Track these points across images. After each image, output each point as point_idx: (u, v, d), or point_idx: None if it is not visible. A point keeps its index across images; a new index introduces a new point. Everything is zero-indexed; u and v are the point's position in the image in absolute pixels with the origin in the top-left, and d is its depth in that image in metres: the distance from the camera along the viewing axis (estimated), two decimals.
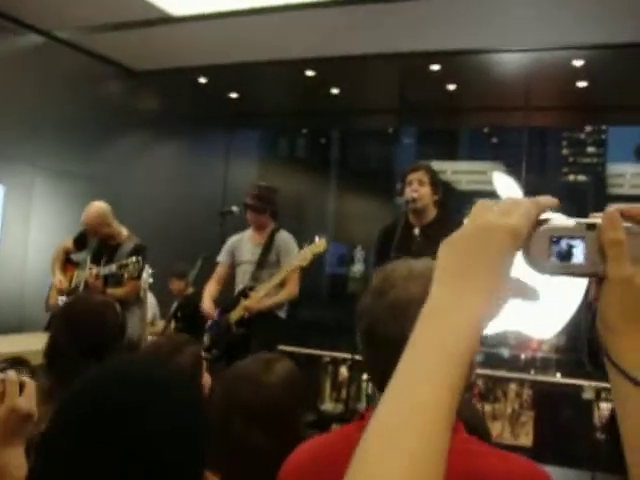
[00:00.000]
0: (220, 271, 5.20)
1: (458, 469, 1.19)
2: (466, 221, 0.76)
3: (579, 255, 0.78)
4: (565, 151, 12.04)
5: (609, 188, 10.70)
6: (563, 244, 0.78)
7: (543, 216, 0.78)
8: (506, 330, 7.15)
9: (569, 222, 0.79)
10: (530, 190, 8.38)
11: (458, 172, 10.71)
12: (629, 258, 0.76)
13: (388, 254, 3.81)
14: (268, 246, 5.08)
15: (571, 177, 12.07)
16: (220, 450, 1.67)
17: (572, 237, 0.78)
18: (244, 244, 5.19)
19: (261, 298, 4.87)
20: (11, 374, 1.56)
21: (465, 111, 8.71)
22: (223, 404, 1.80)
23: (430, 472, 0.63)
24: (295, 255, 4.93)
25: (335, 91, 8.13)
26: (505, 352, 8.83)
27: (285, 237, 5.11)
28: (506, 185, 7.25)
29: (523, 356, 8.19)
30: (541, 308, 6.51)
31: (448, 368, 0.68)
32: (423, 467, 0.63)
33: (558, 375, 6.82)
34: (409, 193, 4.15)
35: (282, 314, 5.03)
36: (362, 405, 6.66)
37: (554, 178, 11.85)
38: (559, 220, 0.79)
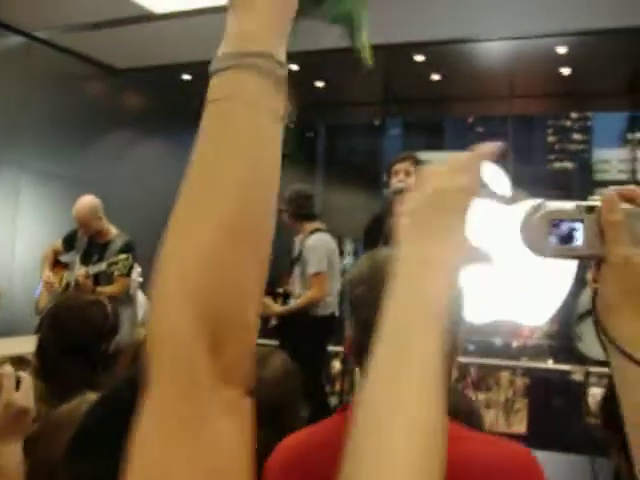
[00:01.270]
0: None
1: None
2: (416, 190, 0.77)
3: (579, 238, 0.79)
4: (551, 138, 12.06)
5: (595, 174, 10.75)
6: (563, 227, 0.79)
7: (538, 201, 0.79)
8: (497, 319, 7.16)
9: (568, 205, 0.80)
10: (516, 178, 8.42)
11: (445, 162, 10.70)
12: (628, 239, 0.77)
13: (377, 244, 3.80)
14: (299, 252, 5.10)
15: (557, 164, 12.10)
16: None
17: (572, 220, 0.79)
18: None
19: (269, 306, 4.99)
20: (8, 368, 1.54)
21: (450, 101, 8.72)
22: None
23: (434, 421, 0.63)
24: (314, 262, 4.94)
25: (320, 85, 8.12)
26: (497, 341, 8.87)
27: (309, 243, 5.06)
28: (492, 173, 7.24)
29: (515, 344, 8.23)
30: (531, 295, 6.52)
31: (434, 319, 0.67)
32: (425, 417, 0.63)
33: (550, 362, 6.84)
34: (396, 183, 4.14)
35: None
36: None
37: (540, 165, 11.88)
38: (557, 204, 0.80)
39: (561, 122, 11.99)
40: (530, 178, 10.45)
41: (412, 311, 0.68)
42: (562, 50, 6.78)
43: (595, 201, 0.79)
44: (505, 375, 6.41)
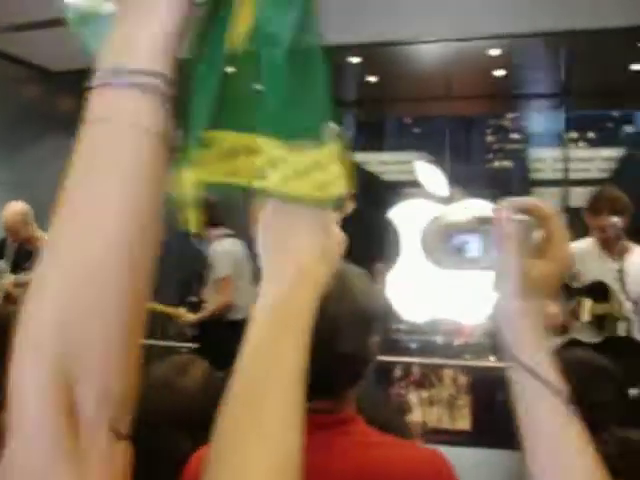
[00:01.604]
0: None
1: (350, 462, 1.19)
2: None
3: (475, 249, 0.79)
4: (490, 138, 12.26)
5: (532, 173, 10.96)
6: (458, 239, 0.80)
7: (439, 212, 0.80)
8: (437, 318, 7.24)
9: (463, 217, 0.80)
10: (455, 177, 8.53)
11: (384, 163, 10.81)
12: (523, 250, 0.78)
13: None
14: (208, 258, 5.08)
15: (496, 163, 12.30)
16: (147, 460, 1.62)
17: (467, 232, 0.80)
18: None
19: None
20: None
21: (387, 102, 8.78)
22: (139, 412, 1.75)
23: (292, 441, 0.62)
24: (219, 267, 4.95)
25: (257, 87, 8.07)
26: (439, 339, 8.96)
27: (216, 249, 5.06)
28: (429, 174, 7.33)
29: (457, 342, 8.33)
30: (468, 294, 6.59)
31: (294, 328, 0.68)
32: (282, 437, 0.62)
33: (492, 359, 6.94)
34: None
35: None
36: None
37: (479, 165, 12.06)
38: (453, 215, 0.81)
39: (500, 122, 12.20)
40: (469, 177, 10.59)
41: (273, 326, 0.67)
42: (495, 52, 6.89)
43: (489, 212, 0.79)
44: (448, 373, 6.48)
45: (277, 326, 0.67)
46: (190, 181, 0.64)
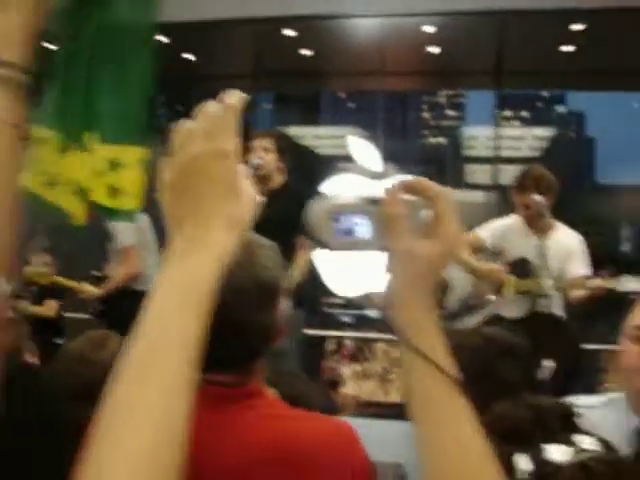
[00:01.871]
0: None
1: (263, 434, 1.19)
2: (172, 155, 0.72)
3: (364, 230, 0.79)
4: (424, 115, 12.33)
5: (465, 150, 11.09)
6: (346, 220, 0.79)
7: (324, 194, 0.80)
8: (370, 292, 7.27)
9: (352, 198, 0.80)
10: (389, 153, 8.54)
11: (319, 137, 10.78)
12: (409, 231, 0.77)
13: None
14: (109, 230, 4.89)
15: (431, 140, 12.40)
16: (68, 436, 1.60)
17: (355, 213, 0.79)
18: None
19: None
20: None
21: (322, 76, 8.74)
22: (56, 387, 1.74)
23: (177, 416, 0.62)
24: (121, 237, 4.78)
25: (190, 57, 7.94)
26: (372, 313, 9.05)
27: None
28: (362, 149, 7.33)
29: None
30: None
31: (196, 298, 0.66)
32: (166, 413, 0.61)
33: None
34: (252, 160, 4.09)
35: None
36: None
37: (413, 141, 12.14)
38: (342, 195, 0.80)
39: (435, 99, 12.28)
40: (403, 153, 10.65)
41: (174, 295, 0.66)
42: (430, 29, 6.92)
43: (379, 193, 0.79)
44: (380, 346, 6.55)
45: (177, 294, 0.66)
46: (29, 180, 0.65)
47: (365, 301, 8.84)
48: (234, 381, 1.25)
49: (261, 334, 1.27)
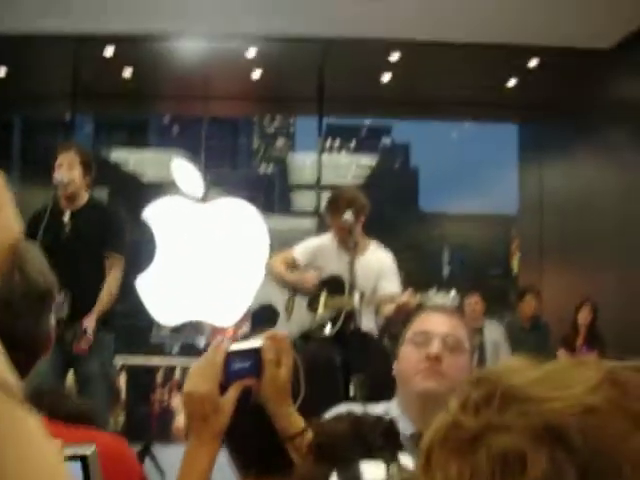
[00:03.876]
0: None
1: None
2: None
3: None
4: (255, 141, 12.42)
5: (291, 177, 11.25)
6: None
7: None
8: (191, 320, 7.14)
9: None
10: (216, 179, 8.50)
11: (141, 162, 10.51)
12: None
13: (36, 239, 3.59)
14: None
15: (260, 166, 12.49)
16: None
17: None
18: None
19: None
20: None
21: (144, 99, 8.51)
22: None
23: None
24: None
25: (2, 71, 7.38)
26: (201, 341, 8.92)
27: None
28: (185, 173, 7.24)
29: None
30: (222, 295, 6.61)
31: None
32: None
33: None
34: (58, 176, 3.90)
35: None
36: None
37: (242, 167, 12.21)
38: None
39: (265, 125, 12.42)
40: (227, 179, 10.67)
41: None
42: (253, 53, 6.95)
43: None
44: None
45: None
46: None
47: (195, 328, 8.64)
48: None
49: (31, 343, 1.20)
